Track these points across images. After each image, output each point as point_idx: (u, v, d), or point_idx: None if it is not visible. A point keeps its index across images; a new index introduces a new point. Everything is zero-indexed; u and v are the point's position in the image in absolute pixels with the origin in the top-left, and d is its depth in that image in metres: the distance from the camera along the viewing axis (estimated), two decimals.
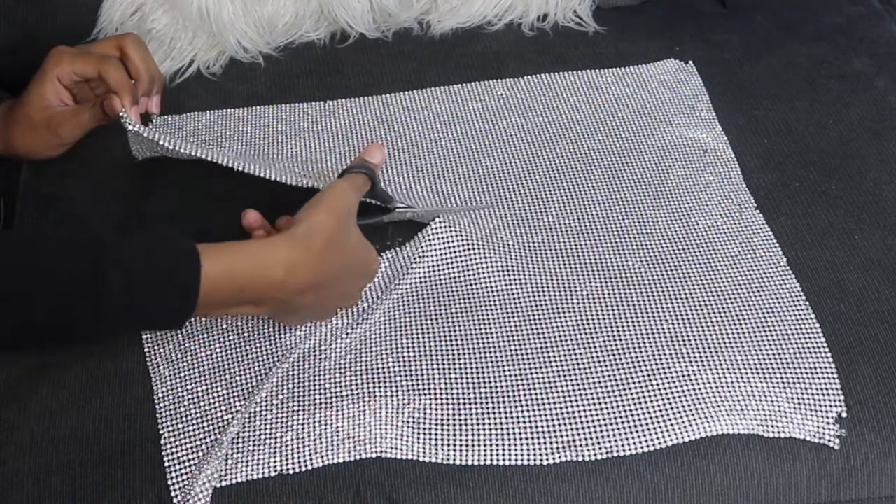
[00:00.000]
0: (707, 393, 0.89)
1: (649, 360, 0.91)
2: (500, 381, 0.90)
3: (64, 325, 0.79)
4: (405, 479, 0.86)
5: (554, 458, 0.86)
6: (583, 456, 0.86)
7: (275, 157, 1.09)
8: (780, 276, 0.98)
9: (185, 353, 0.93)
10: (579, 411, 0.88)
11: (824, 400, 0.89)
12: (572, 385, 0.89)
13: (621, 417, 0.88)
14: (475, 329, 0.94)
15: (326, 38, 1.25)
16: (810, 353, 0.92)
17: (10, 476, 0.86)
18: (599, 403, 0.88)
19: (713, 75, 1.19)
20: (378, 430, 0.87)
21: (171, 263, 0.80)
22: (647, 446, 0.87)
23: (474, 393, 0.89)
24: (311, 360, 0.92)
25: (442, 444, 0.87)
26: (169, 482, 0.85)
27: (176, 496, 0.84)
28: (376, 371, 0.91)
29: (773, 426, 0.88)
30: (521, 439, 0.87)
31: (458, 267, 0.99)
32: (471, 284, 0.97)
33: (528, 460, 0.86)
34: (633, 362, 0.91)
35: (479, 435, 0.87)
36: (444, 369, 0.91)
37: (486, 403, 0.89)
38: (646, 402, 0.88)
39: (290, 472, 0.86)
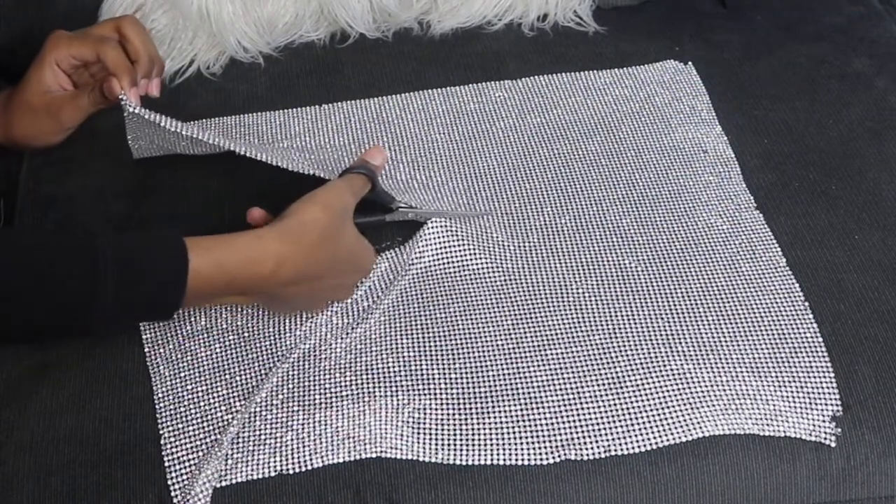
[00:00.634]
0: (704, 392, 0.89)
1: (647, 360, 0.91)
2: (500, 381, 0.90)
3: (55, 319, 0.80)
4: (405, 479, 0.86)
5: (553, 458, 0.86)
6: (582, 455, 0.86)
7: (274, 151, 1.08)
8: (779, 275, 0.98)
9: (185, 353, 0.93)
10: (578, 410, 0.88)
11: (821, 398, 0.89)
12: (571, 384, 0.90)
13: (619, 417, 0.88)
14: (475, 329, 0.94)
15: (326, 38, 1.25)
16: (807, 352, 0.92)
17: (10, 476, 0.86)
18: (598, 402, 0.88)
19: (713, 75, 1.19)
20: (378, 430, 0.87)
21: (159, 257, 0.81)
22: (645, 445, 0.87)
23: (474, 393, 0.89)
24: (311, 360, 0.92)
25: (442, 444, 0.87)
26: (169, 482, 0.85)
27: (176, 496, 0.84)
28: (376, 371, 0.91)
29: (769, 425, 0.88)
30: (521, 439, 0.87)
31: (457, 267, 0.99)
32: (470, 284, 0.97)
33: (528, 460, 0.86)
34: (630, 361, 0.91)
35: (479, 435, 0.87)
36: (444, 369, 0.91)
37: (486, 403, 0.89)
38: (643, 402, 0.88)
39: (290, 472, 0.86)
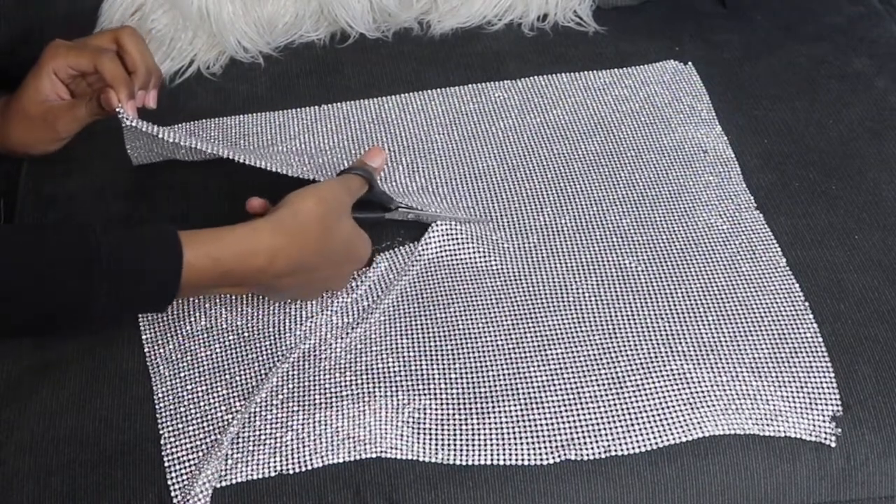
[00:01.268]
0: (704, 392, 0.89)
1: (647, 360, 0.91)
2: (500, 381, 0.90)
3: (51, 314, 0.80)
4: (405, 479, 0.86)
5: (553, 458, 0.86)
6: (582, 455, 0.86)
7: (272, 155, 1.09)
8: (779, 275, 0.98)
9: (185, 353, 0.93)
10: (578, 410, 0.88)
11: (821, 398, 0.89)
12: (571, 384, 0.90)
13: (619, 416, 0.88)
14: (475, 329, 0.94)
15: (326, 38, 1.25)
16: (807, 352, 0.92)
17: (10, 476, 0.86)
18: (598, 402, 0.88)
19: (713, 75, 1.19)
20: (378, 430, 0.87)
21: (154, 251, 0.82)
22: (645, 445, 0.87)
23: (474, 393, 0.89)
24: (311, 360, 0.92)
25: (442, 444, 0.87)
26: (169, 482, 0.85)
27: (176, 496, 0.84)
28: (376, 371, 0.91)
29: (769, 425, 0.88)
30: (521, 439, 0.87)
31: (457, 267, 0.99)
32: (470, 285, 0.97)
33: (528, 460, 0.86)
34: (630, 361, 0.91)
35: (479, 435, 0.87)
36: (444, 369, 0.91)
37: (486, 403, 0.89)
38: (643, 402, 0.88)
39: (290, 472, 0.86)
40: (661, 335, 0.93)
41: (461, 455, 0.87)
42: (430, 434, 0.87)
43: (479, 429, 0.87)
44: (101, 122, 1.01)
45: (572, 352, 0.92)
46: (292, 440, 0.87)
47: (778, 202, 1.05)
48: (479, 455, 0.86)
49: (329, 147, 1.11)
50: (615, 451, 0.87)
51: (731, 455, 0.88)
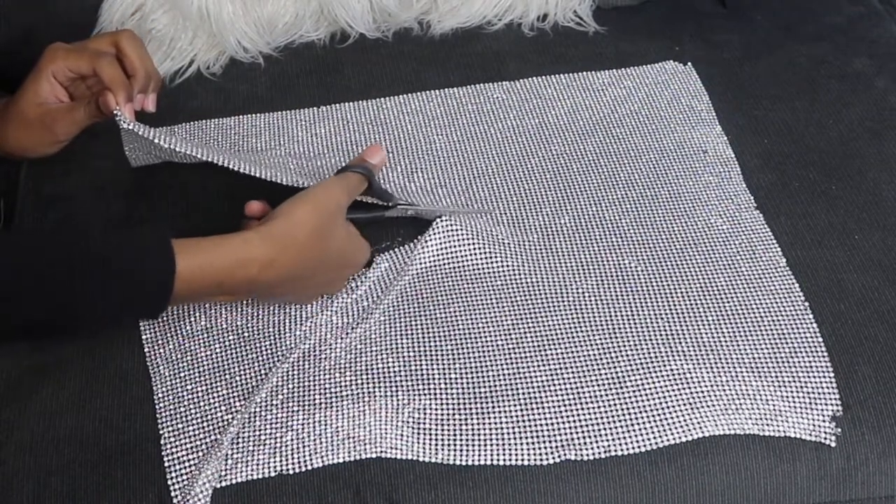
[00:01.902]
0: (704, 392, 0.89)
1: (647, 360, 0.91)
2: (500, 381, 0.90)
3: (43, 321, 0.80)
4: (405, 479, 0.86)
5: (553, 458, 0.86)
6: (582, 455, 0.86)
7: (270, 160, 1.09)
8: (779, 276, 0.98)
9: (185, 353, 0.93)
10: (578, 410, 0.88)
11: (821, 398, 0.89)
12: (571, 384, 0.90)
13: (619, 417, 0.88)
14: (475, 329, 0.94)
15: (326, 38, 1.25)
16: (807, 352, 0.92)
17: (10, 476, 0.86)
18: (598, 402, 0.88)
19: (713, 75, 1.19)
20: (378, 430, 0.87)
21: (147, 260, 0.82)
22: (645, 445, 0.87)
23: (474, 393, 0.89)
24: (311, 360, 0.92)
25: (442, 444, 0.87)
26: (169, 482, 0.85)
27: (176, 496, 0.84)
28: (376, 371, 0.91)
29: (769, 425, 0.88)
30: (521, 439, 0.87)
31: (457, 267, 0.99)
32: (470, 284, 0.97)
33: (528, 460, 0.86)
34: (630, 361, 0.91)
35: (479, 435, 0.87)
36: (444, 369, 0.91)
37: (486, 403, 0.89)
38: (643, 402, 0.88)
39: (290, 472, 0.86)
40: (661, 335, 0.93)
41: (461, 455, 0.87)
42: (430, 434, 0.87)
43: (479, 429, 0.87)
44: (101, 122, 1.01)
45: (572, 352, 0.92)
46: (292, 440, 0.87)
47: (778, 202, 1.05)
48: (479, 455, 0.86)
49: (327, 149, 1.11)
50: (615, 451, 0.87)
51: (731, 455, 0.88)
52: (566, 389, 0.89)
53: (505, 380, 0.90)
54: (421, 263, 0.99)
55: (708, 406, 0.88)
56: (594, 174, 1.07)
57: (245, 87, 1.19)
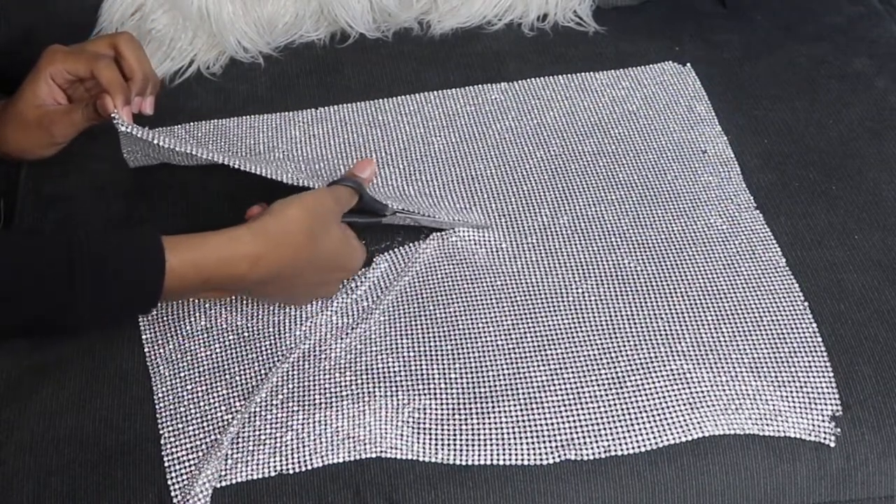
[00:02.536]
0: (704, 392, 0.89)
1: (647, 360, 0.91)
2: (500, 381, 0.90)
3: (33, 319, 0.80)
4: (405, 479, 0.86)
5: (553, 458, 0.86)
6: (582, 455, 0.86)
7: (268, 161, 1.09)
8: (779, 276, 0.98)
9: (185, 353, 0.93)
10: (578, 410, 0.88)
11: (820, 398, 0.90)
12: (571, 384, 0.90)
13: (619, 417, 0.88)
14: (474, 329, 0.94)
15: (326, 38, 1.25)
16: (806, 352, 0.92)
17: (10, 476, 0.86)
18: (598, 402, 0.88)
19: (713, 75, 1.19)
20: (378, 430, 0.87)
21: (136, 258, 0.82)
22: (645, 445, 0.87)
23: (474, 393, 0.89)
24: (311, 360, 0.92)
25: (442, 444, 0.87)
26: (169, 482, 0.85)
27: (176, 496, 0.84)
28: (376, 371, 0.91)
29: (769, 425, 0.88)
30: (521, 439, 0.87)
31: (457, 267, 0.99)
32: (470, 285, 0.97)
33: (528, 460, 0.86)
34: (630, 361, 0.91)
35: (479, 435, 0.87)
36: (444, 369, 0.91)
37: (486, 403, 0.89)
38: (643, 402, 0.88)
39: (290, 472, 0.86)
40: (660, 335, 0.93)
41: (461, 455, 0.87)
42: (430, 434, 0.87)
43: (479, 429, 0.87)
44: (99, 124, 1.01)
45: (572, 352, 0.92)
46: (292, 440, 0.87)
47: (778, 202, 1.05)
48: (479, 455, 0.86)
49: (326, 150, 1.10)
50: (615, 451, 0.87)
51: (731, 455, 0.88)
52: (566, 389, 0.89)
53: (505, 380, 0.90)
54: (421, 263, 0.99)
55: (708, 406, 0.88)
56: (593, 174, 1.07)
57: (245, 87, 1.19)
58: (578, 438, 0.87)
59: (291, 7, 1.23)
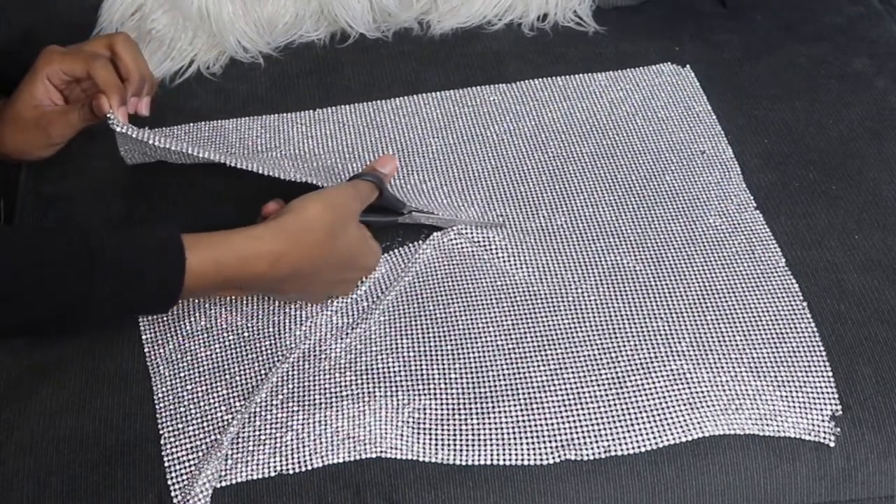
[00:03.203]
0: (704, 392, 0.89)
1: (647, 360, 0.91)
2: (500, 381, 0.90)
3: (52, 317, 0.80)
4: (405, 479, 0.86)
5: (553, 458, 0.86)
6: (582, 455, 0.86)
7: (267, 160, 1.08)
8: (778, 275, 0.98)
9: (185, 353, 0.93)
10: (578, 410, 0.88)
11: (820, 398, 0.90)
12: (571, 384, 0.90)
13: (619, 417, 0.88)
14: (474, 329, 0.94)
15: (326, 38, 1.25)
16: (806, 352, 0.92)
17: (10, 476, 0.86)
18: (598, 402, 0.88)
19: (713, 76, 1.19)
20: (378, 430, 0.87)
21: (156, 256, 0.82)
22: (645, 445, 0.87)
23: (474, 393, 0.89)
24: (311, 360, 0.92)
25: (442, 444, 0.87)
26: (169, 482, 0.85)
27: (176, 496, 0.84)
28: (376, 371, 0.91)
29: (769, 425, 0.88)
30: (521, 439, 0.87)
31: (457, 267, 0.99)
32: (470, 285, 0.97)
33: (528, 460, 0.86)
34: (630, 362, 0.91)
35: (479, 435, 0.87)
36: (444, 369, 0.91)
37: (486, 403, 0.89)
38: (643, 402, 0.88)
39: (290, 472, 0.86)
40: (660, 335, 0.93)
41: (461, 455, 0.87)
42: (430, 434, 0.87)
43: (479, 429, 0.87)
44: (101, 123, 1.01)
45: (572, 352, 0.92)
46: (292, 440, 0.87)
47: (778, 202, 1.05)
48: (479, 455, 0.86)
49: (325, 152, 1.10)
50: (615, 451, 0.87)
51: (731, 455, 0.88)
52: (566, 389, 0.89)
53: (505, 380, 0.90)
54: (421, 264, 0.99)
55: (708, 406, 0.88)
56: (593, 175, 1.07)
57: (245, 87, 1.19)
58: (578, 438, 0.87)
59: (291, 7, 1.23)
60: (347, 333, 0.94)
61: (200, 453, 0.86)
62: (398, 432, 0.87)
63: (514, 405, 0.88)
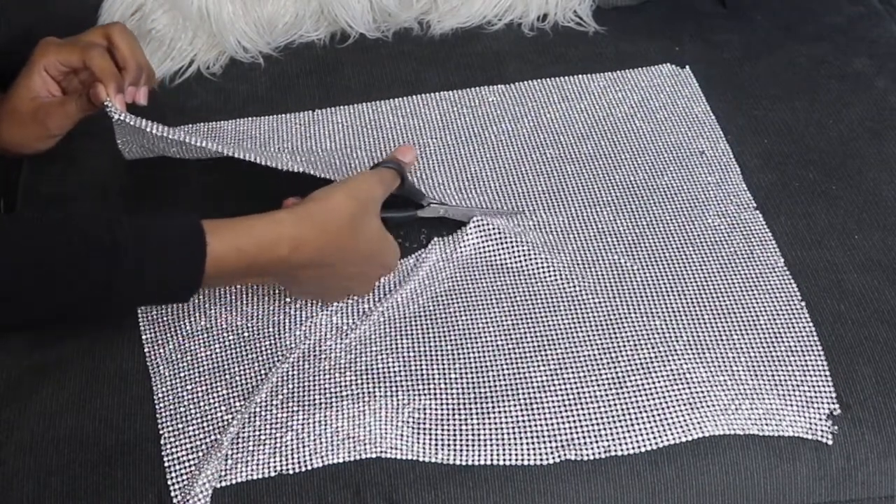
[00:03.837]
0: (704, 392, 0.89)
1: (647, 360, 0.91)
2: (500, 381, 0.90)
3: (74, 303, 0.79)
4: (405, 479, 0.86)
5: (553, 458, 0.86)
6: (582, 455, 0.86)
7: (263, 155, 1.08)
8: (777, 275, 0.98)
9: (185, 353, 0.93)
10: (578, 410, 0.88)
11: (817, 397, 0.90)
12: (571, 384, 0.90)
13: (619, 417, 0.88)
14: (474, 329, 0.94)
15: (326, 38, 1.25)
16: (803, 351, 0.92)
17: (10, 476, 0.86)
18: (598, 402, 0.89)
19: (713, 75, 1.19)
20: (378, 430, 0.87)
21: (178, 242, 0.81)
22: (645, 445, 0.87)
23: (474, 393, 0.89)
24: (311, 360, 0.92)
25: (442, 444, 0.87)
26: (169, 482, 0.85)
27: (176, 496, 0.84)
28: (376, 371, 0.91)
29: (768, 424, 0.88)
30: (521, 439, 0.87)
31: (456, 268, 0.99)
32: (469, 285, 0.97)
33: (528, 460, 0.86)
34: (630, 362, 0.91)
35: (479, 435, 0.87)
36: (444, 369, 0.91)
37: (486, 403, 0.89)
38: (643, 402, 0.88)
39: (290, 472, 0.86)
40: (660, 335, 0.93)
41: (461, 455, 0.87)
42: (430, 434, 0.87)
43: (479, 429, 0.87)
44: (100, 121, 1.00)
45: (572, 352, 0.92)
46: (292, 440, 0.87)
47: (778, 202, 1.05)
48: (479, 455, 0.87)
49: (323, 151, 1.10)
50: (615, 451, 0.87)
51: (731, 455, 0.88)
52: (566, 389, 0.89)
53: (505, 380, 0.90)
54: (421, 265, 0.99)
55: (708, 406, 0.88)
56: (591, 176, 1.07)
57: (245, 87, 1.19)
58: (578, 438, 0.87)
59: (291, 7, 1.23)
60: (347, 334, 0.94)
61: (200, 453, 0.86)
62: (398, 432, 0.87)
63: (514, 405, 0.88)
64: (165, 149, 1.03)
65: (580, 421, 0.88)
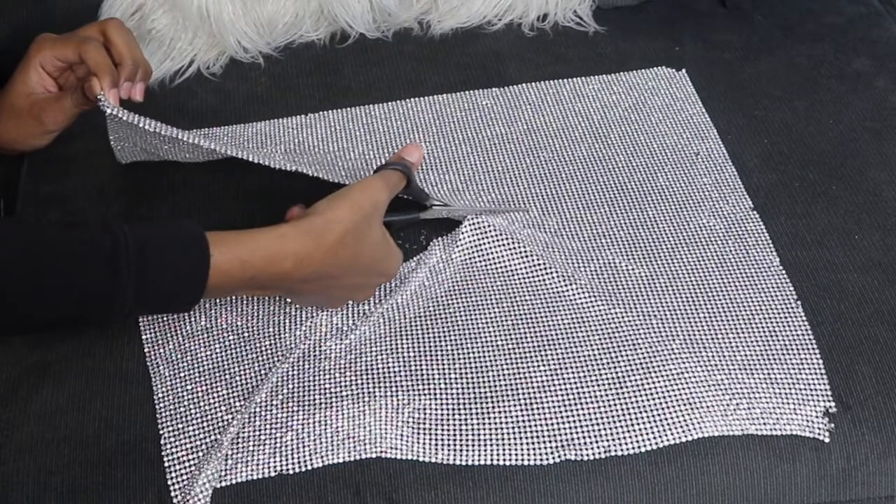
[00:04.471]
0: (703, 392, 0.89)
1: (647, 360, 0.91)
2: (500, 382, 0.90)
3: (75, 312, 0.79)
4: (405, 479, 0.86)
5: (553, 458, 0.86)
6: (582, 455, 0.86)
7: (262, 154, 1.08)
8: (773, 275, 0.98)
9: (185, 353, 0.93)
10: (578, 410, 0.88)
11: (813, 395, 0.90)
12: (571, 384, 0.90)
13: (619, 417, 0.88)
14: (475, 329, 0.94)
15: (326, 38, 1.25)
16: (799, 349, 0.92)
17: (10, 476, 0.86)
18: (598, 402, 0.89)
19: (713, 76, 1.19)
20: (378, 430, 0.87)
21: (180, 253, 0.81)
22: (645, 445, 0.87)
23: (474, 393, 0.89)
24: (311, 360, 0.92)
25: (442, 444, 0.87)
26: (169, 482, 0.85)
27: (176, 496, 0.84)
28: (376, 371, 0.91)
29: (766, 423, 0.88)
30: (521, 439, 0.87)
31: (456, 268, 0.99)
32: (469, 285, 0.97)
33: (528, 460, 0.86)
34: (630, 362, 0.91)
35: (479, 435, 0.87)
36: (444, 369, 0.91)
37: (486, 403, 0.89)
38: (643, 402, 0.89)
39: (290, 472, 0.86)
40: (660, 336, 0.93)
41: (461, 455, 0.87)
42: (430, 434, 0.87)
43: (479, 429, 0.87)
44: (100, 121, 1.01)
45: (572, 352, 0.92)
46: (292, 440, 0.87)
47: (778, 202, 1.05)
48: (479, 455, 0.87)
49: (323, 153, 1.10)
50: (615, 451, 0.87)
51: (731, 455, 0.88)
52: (566, 389, 0.89)
53: (505, 380, 0.90)
54: (421, 266, 0.99)
55: (708, 406, 0.88)
56: (588, 178, 1.07)
57: (245, 87, 1.19)
58: (578, 438, 0.87)
59: (291, 7, 1.23)
60: (347, 334, 0.94)
61: (200, 453, 0.86)
62: (398, 432, 0.87)
63: (514, 405, 0.88)
64: (158, 147, 1.02)
65: (580, 421, 0.88)
